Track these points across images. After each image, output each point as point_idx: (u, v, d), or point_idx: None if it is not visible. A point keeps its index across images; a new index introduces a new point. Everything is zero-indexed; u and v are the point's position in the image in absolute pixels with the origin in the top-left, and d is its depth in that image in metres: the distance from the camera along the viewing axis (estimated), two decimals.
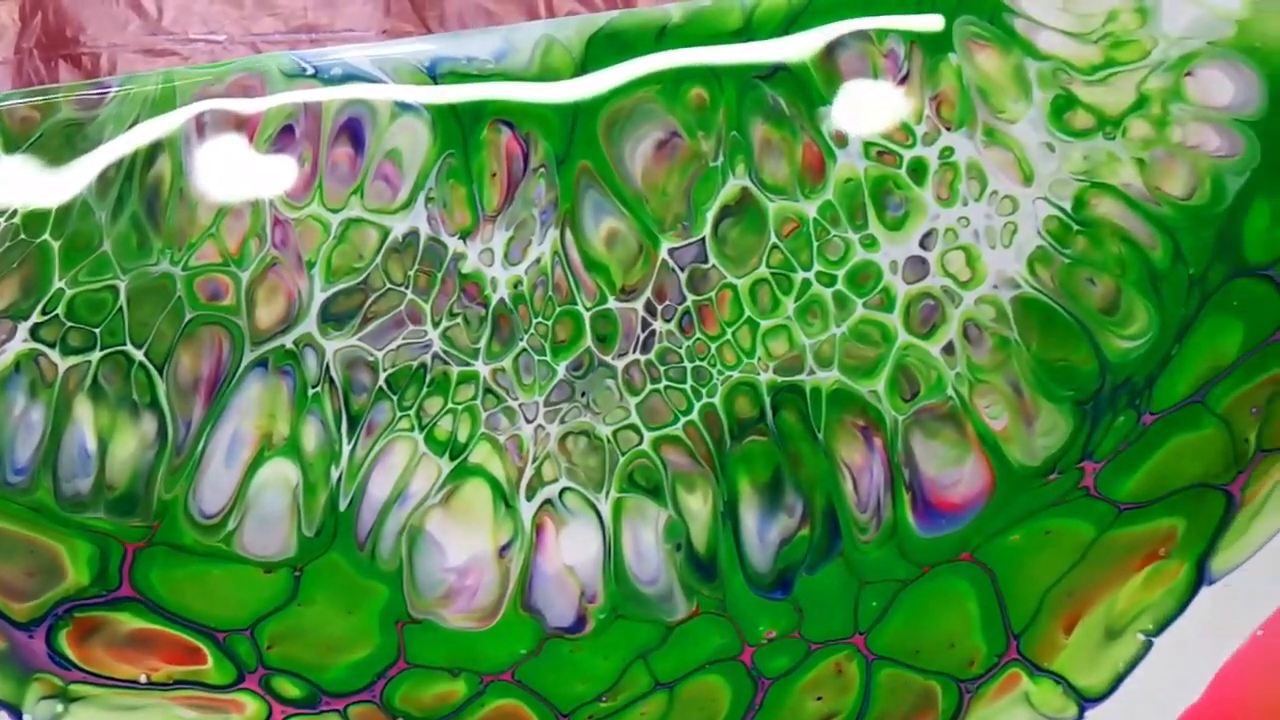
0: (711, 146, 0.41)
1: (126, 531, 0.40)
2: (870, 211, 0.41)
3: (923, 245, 0.41)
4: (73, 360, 0.40)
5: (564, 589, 0.40)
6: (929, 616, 0.39)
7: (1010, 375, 0.40)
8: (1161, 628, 0.39)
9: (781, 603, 0.40)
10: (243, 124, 0.41)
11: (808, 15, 0.42)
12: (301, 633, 0.39)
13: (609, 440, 0.40)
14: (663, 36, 0.42)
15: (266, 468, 0.40)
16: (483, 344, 0.41)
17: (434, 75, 0.41)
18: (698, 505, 0.40)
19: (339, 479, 0.40)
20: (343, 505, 0.40)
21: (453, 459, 0.40)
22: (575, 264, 0.41)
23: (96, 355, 0.40)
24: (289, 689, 0.40)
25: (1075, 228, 0.41)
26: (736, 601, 0.40)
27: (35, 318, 0.40)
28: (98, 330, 0.40)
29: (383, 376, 0.40)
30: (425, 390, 0.40)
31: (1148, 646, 0.39)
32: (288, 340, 0.40)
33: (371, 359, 0.40)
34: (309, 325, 0.41)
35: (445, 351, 0.40)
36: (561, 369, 0.40)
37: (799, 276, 0.41)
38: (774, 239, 0.41)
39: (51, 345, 0.40)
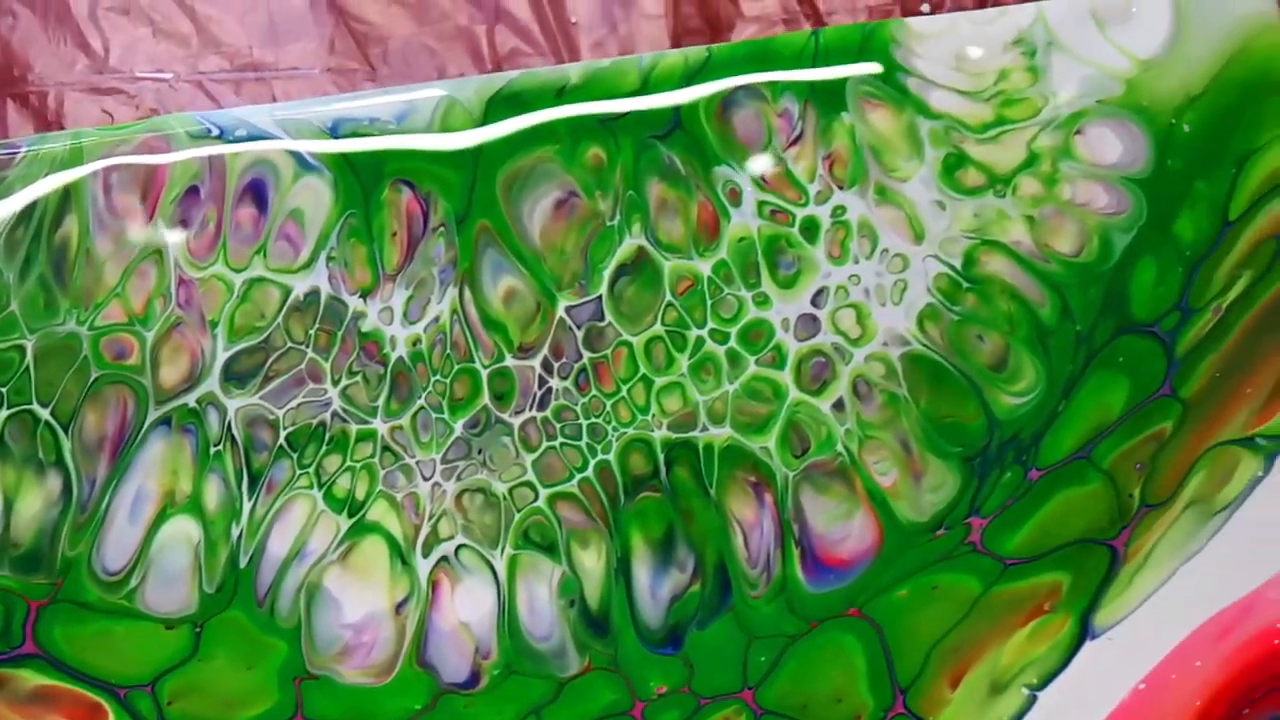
0: (609, 206, 0.42)
1: (30, 588, 0.40)
2: (763, 269, 0.41)
3: (814, 303, 0.41)
4: None
5: (458, 645, 0.40)
6: (817, 671, 0.40)
7: (899, 431, 0.41)
8: (1045, 682, 0.40)
9: (672, 658, 0.40)
10: (149, 185, 0.42)
11: (705, 73, 0.42)
12: (202, 688, 0.40)
13: (505, 497, 0.41)
14: (561, 97, 0.42)
15: (169, 525, 0.41)
16: (381, 402, 0.41)
17: (336, 136, 0.42)
18: (591, 561, 0.41)
19: (239, 536, 0.41)
20: (243, 562, 0.41)
21: (351, 516, 0.41)
22: (473, 322, 0.41)
23: (3, 414, 0.41)
24: None
25: (965, 285, 0.41)
26: (628, 657, 0.40)
27: None
28: (4, 389, 0.41)
29: (283, 434, 0.41)
30: (324, 448, 0.41)
31: (1032, 700, 0.40)
32: (191, 399, 0.41)
33: (272, 417, 0.41)
34: (212, 384, 0.41)
35: (344, 409, 0.41)
36: (459, 427, 0.41)
37: (693, 334, 0.41)
38: (669, 297, 0.41)
39: None
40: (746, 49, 0.43)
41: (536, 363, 0.41)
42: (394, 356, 0.41)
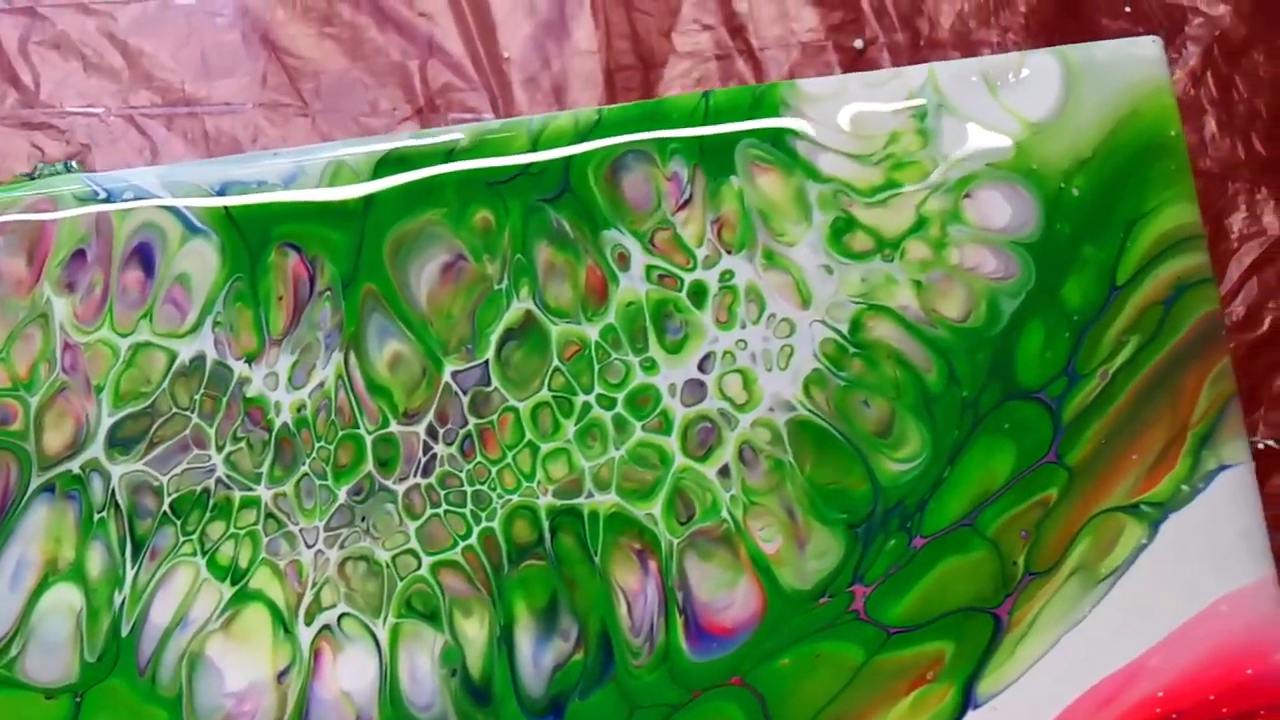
0: (496, 269, 0.42)
1: None
2: (651, 334, 0.41)
3: (701, 368, 0.41)
4: None
5: (340, 714, 0.40)
6: None
7: (784, 498, 0.41)
8: None
9: None
10: (35, 248, 0.42)
11: (595, 134, 0.42)
12: None
13: (388, 565, 0.41)
14: (450, 158, 0.42)
15: (51, 593, 0.40)
16: (265, 468, 0.41)
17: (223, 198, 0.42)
18: (474, 630, 0.40)
19: (122, 604, 0.40)
20: (125, 630, 0.40)
21: (234, 584, 0.41)
22: (358, 387, 0.41)
23: None
24: None
25: (851, 350, 0.41)
26: None
27: None
28: None
29: (167, 501, 0.41)
30: (208, 515, 0.41)
31: None
32: (75, 465, 0.41)
33: (157, 484, 0.41)
34: (96, 450, 0.41)
35: (229, 476, 0.41)
36: (342, 494, 0.41)
37: (580, 399, 0.41)
38: (556, 362, 0.41)
39: None
40: (637, 110, 0.42)
41: (421, 429, 0.41)
42: (278, 423, 0.41)
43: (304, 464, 0.41)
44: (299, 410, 0.41)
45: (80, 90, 0.70)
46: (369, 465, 0.41)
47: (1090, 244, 0.41)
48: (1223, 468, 0.40)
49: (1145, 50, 0.42)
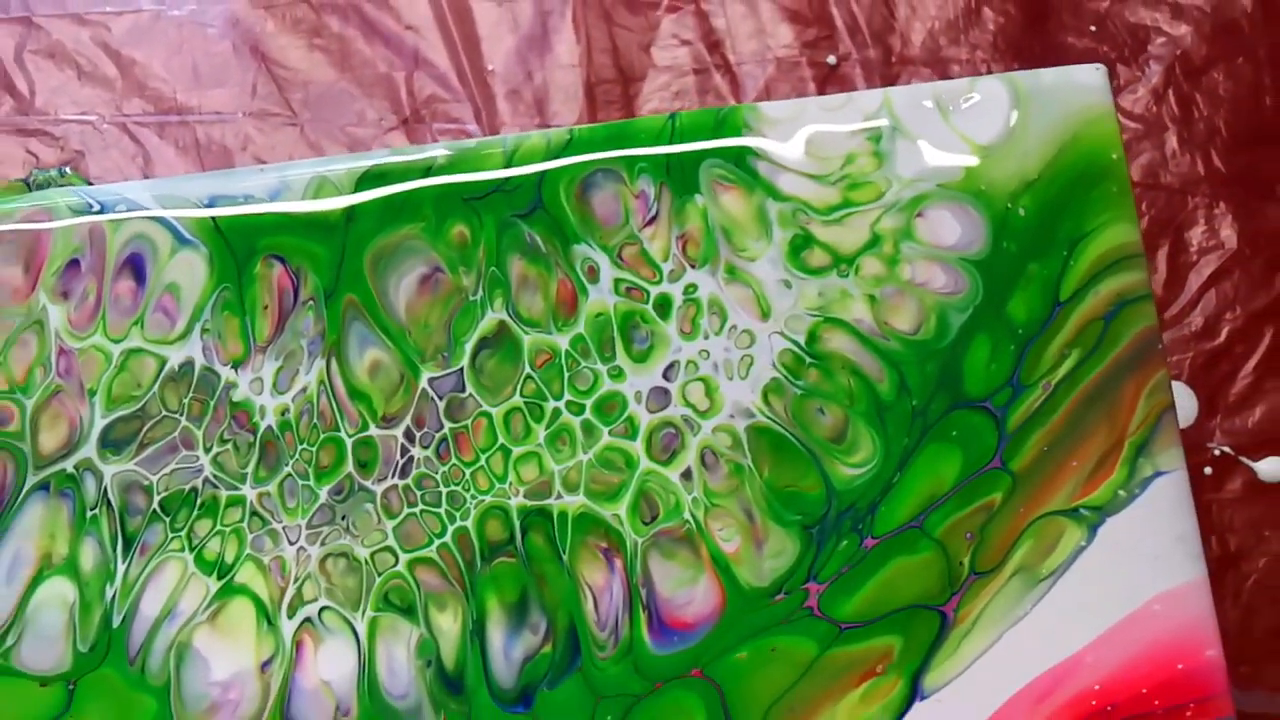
0: (472, 281, 0.44)
1: None
2: (618, 344, 0.43)
3: (665, 376, 0.43)
4: None
5: (320, 703, 0.42)
6: None
7: (743, 500, 0.43)
8: None
9: (523, 716, 0.42)
10: (31, 258, 0.44)
11: (567, 153, 0.44)
12: None
13: (367, 561, 0.43)
14: (429, 175, 0.44)
15: (45, 586, 0.43)
16: (250, 469, 0.43)
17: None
18: (448, 624, 0.43)
19: (113, 597, 0.42)
20: (116, 622, 0.42)
21: (220, 578, 0.43)
22: (339, 393, 0.43)
23: None
24: None
25: (808, 360, 0.43)
26: (481, 716, 0.42)
27: None
28: None
29: (156, 499, 0.43)
30: (196, 513, 0.43)
31: None
32: (69, 464, 0.43)
33: (147, 483, 0.43)
34: (89, 450, 0.43)
35: (215, 476, 0.43)
36: (324, 493, 0.43)
37: (550, 405, 0.43)
38: (528, 369, 0.43)
39: None
40: (606, 131, 0.45)
41: (399, 432, 0.43)
42: (263, 425, 0.43)
43: (287, 465, 0.43)
44: (283, 414, 0.43)
45: (74, 98, 0.72)
46: (349, 467, 0.43)
47: (1035, 261, 0.44)
48: (1158, 474, 0.43)
49: (1089, 78, 0.44)
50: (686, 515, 0.43)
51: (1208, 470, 0.64)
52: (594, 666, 0.42)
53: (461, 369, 0.43)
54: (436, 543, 0.43)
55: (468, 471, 0.43)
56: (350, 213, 0.44)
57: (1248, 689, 0.61)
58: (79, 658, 0.42)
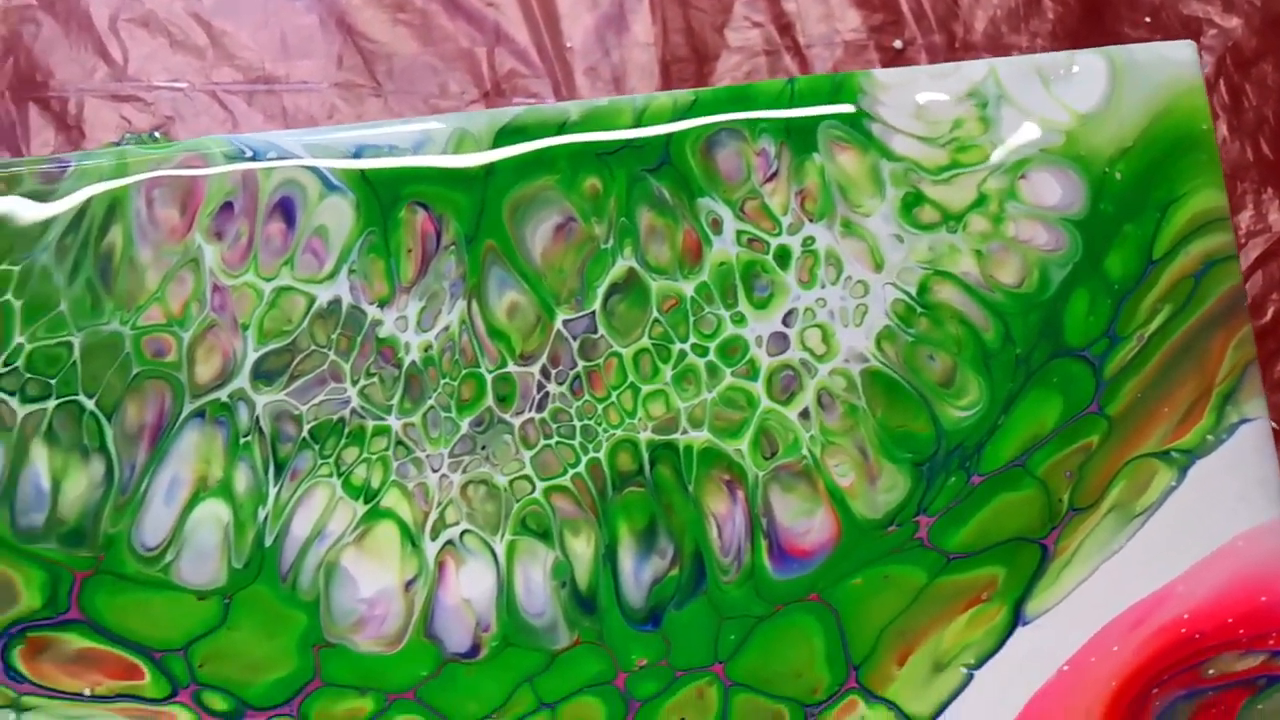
0: (603, 231, 0.47)
1: (75, 561, 0.45)
2: (740, 292, 0.46)
3: (785, 322, 0.46)
4: (30, 408, 0.45)
5: (461, 620, 0.45)
6: (780, 649, 0.45)
7: (857, 439, 0.46)
8: (981, 662, 0.45)
9: (652, 635, 0.45)
10: (188, 200, 0.47)
11: (692, 113, 0.47)
12: (229, 653, 0.45)
13: (505, 489, 0.46)
14: (562, 131, 0.47)
15: (201, 507, 0.45)
16: (395, 401, 0.46)
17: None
18: (582, 548, 0.45)
19: (265, 518, 0.45)
20: (268, 542, 0.45)
21: (366, 503, 0.45)
22: (480, 332, 0.46)
23: (52, 404, 0.45)
24: (217, 703, 0.45)
25: (919, 310, 0.46)
26: (613, 633, 0.45)
27: None
28: (53, 381, 0.45)
29: (306, 428, 0.46)
30: (344, 441, 0.46)
31: (969, 679, 0.45)
32: (223, 394, 0.46)
33: (297, 412, 0.46)
34: (242, 381, 0.46)
35: (362, 407, 0.46)
36: (465, 425, 0.46)
37: (676, 348, 0.46)
38: (656, 314, 0.46)
39: (11, 394, 0.45)
40: (729, 93, 0.48)
41: (536, 369, 0.46)
42: (408, 361, 0.46)
43: (431, 398, 0.46)
44: (426, 350, 0.46)
45: (166, 66, 0.74)
46: (489, 400, 0.46)
47: (1130, 222, 0.47)
48: (1243, 421, 0.46)
49: (1181, 53, 0.48)
50: (804, 451, 0.46)
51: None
52: (718, 589, 0.45)
53: (594, 312, 0.46)
54: (571, 472, 0.46)
55: (600, 407, 0.46)
56: (489, 166, 0.47)
57: None
58: (234, 574, 0.45)
